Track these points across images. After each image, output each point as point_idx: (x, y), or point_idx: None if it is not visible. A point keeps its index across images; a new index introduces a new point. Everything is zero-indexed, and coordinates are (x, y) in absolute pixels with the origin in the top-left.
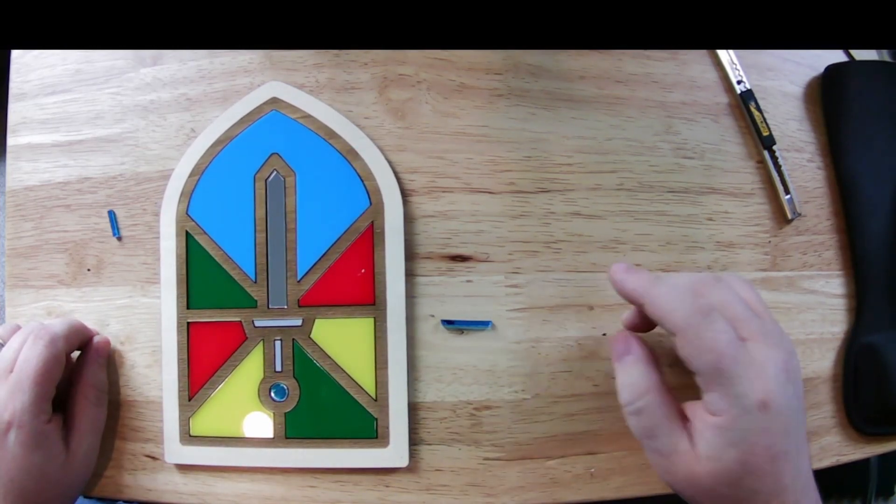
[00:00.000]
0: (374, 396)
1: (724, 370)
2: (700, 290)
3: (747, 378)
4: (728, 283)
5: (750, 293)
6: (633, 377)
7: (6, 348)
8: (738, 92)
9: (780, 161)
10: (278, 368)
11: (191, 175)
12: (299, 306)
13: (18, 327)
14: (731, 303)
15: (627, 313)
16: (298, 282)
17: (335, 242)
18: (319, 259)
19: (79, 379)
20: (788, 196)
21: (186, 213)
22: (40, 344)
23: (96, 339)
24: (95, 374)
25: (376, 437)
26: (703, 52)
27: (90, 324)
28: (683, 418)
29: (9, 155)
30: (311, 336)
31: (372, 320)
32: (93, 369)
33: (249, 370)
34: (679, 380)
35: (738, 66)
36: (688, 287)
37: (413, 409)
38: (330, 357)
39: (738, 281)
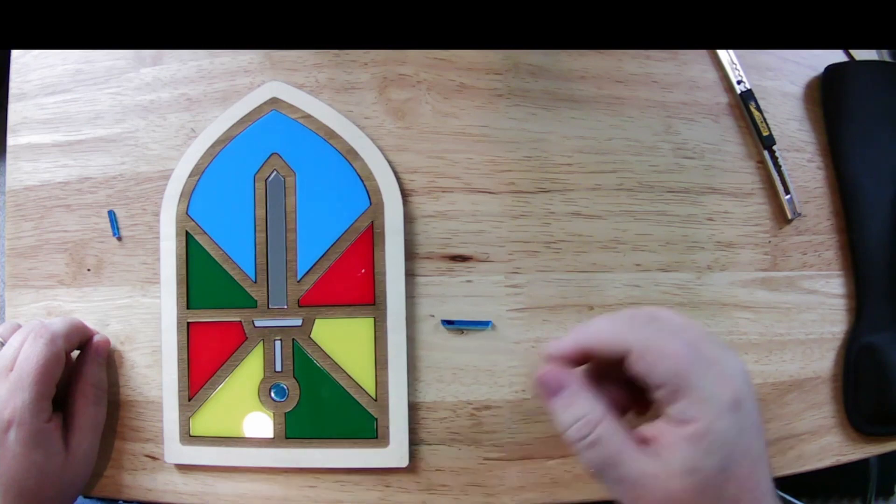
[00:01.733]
0: (374, 396)
1: (688, 374)
2: (634, 312)
3: (711, 379)
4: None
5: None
6: (580, 409)
7: (7, 347)
8: (738, 92)
9: (780, 161)
10: (278, 368)
11: (191, 175)
12: (299, 306)
13: (19, 326)
14: (668, 315)
15: (553, 352)
16: (298, 282)
17: (335, 242)
18: (319, 259)
19: (78, 378)
20: (788, 196)
21: (186, 214)
22: (40, 342)
23: (96, 338)
24: (95, 373)
25: (376, 437)
26: (703, 52)
27: (90, 324)
28: (639, 441)
29: (9, 155)
30: (311, 336)
31: (372, 320)
32: (92, 368)
33: (249, 370)
34: None
35: (738, 66)
36: (622, 312)
37: (413, 409)
38: (330, 357)
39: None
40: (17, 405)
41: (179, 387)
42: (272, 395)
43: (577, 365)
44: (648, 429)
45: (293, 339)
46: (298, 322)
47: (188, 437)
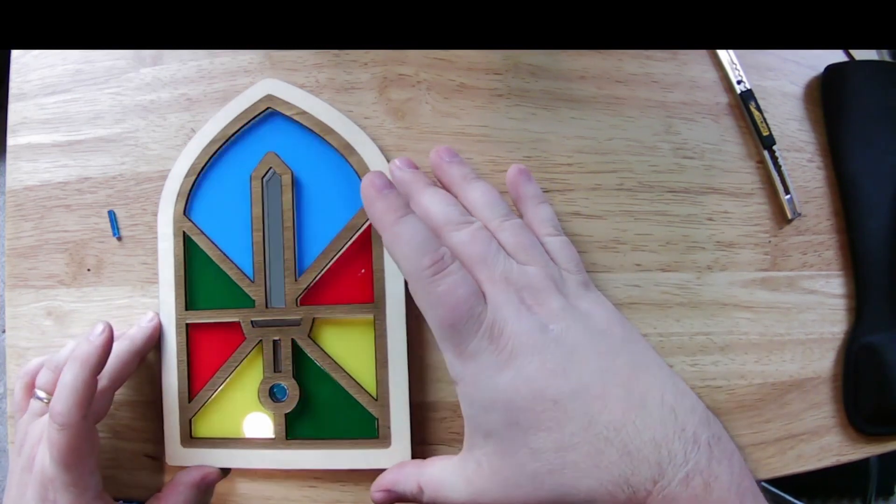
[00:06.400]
0: (374, 396)
1: (458, 327)
2: (446, 230)
3: (482, 330)
4: (479, 226)
5: (520, 234)
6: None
7: (34, 430)
8: (738, 92)
9: (780, 161)
10: (278, 369)
11: (187, 175)
12: (298, 306)
13: (58, 369)
14: (477, 241)
15: None
16: (297, 281)
17: (334, 241)
18: (318, 258)
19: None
20: (788, 196)
21: (184, 214)
22: (53, 430)
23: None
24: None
25: (377, 438)
26: (703, 52)
27: (90, 324)
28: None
29: (9, 155)
30: (311, 336)
31: (372, 319)
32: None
33: (249, 371)
34: None
35: (738, 66)
36: (433, 226)
37: (413, 408)
38: (330, 357)
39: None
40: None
41: (179, 389)
42: (272, 395)
43: None
44: None
45: (292, 339)
46: (298, 322)
47: (189, 440)
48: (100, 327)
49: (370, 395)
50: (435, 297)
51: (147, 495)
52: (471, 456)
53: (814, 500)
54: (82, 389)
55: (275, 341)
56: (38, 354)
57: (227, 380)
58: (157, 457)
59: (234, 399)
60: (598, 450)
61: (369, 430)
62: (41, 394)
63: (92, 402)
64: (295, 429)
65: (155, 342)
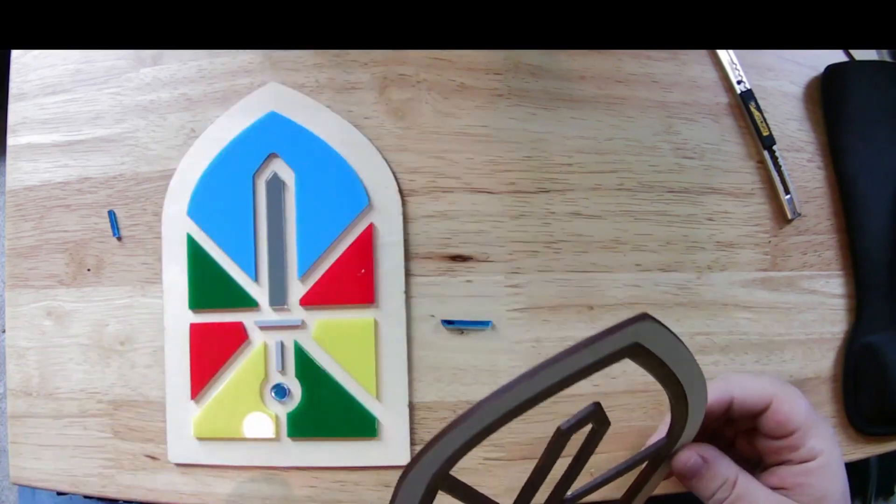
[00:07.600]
0: (375, 396)
1: (815, 415)
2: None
3: (822, 419)
4: None
5: None
6: (719, 478)
7: None
8: (738, 92)
9: (780, 161)
10: (279, 368)
11: (190, 176)
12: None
13: None
14: None
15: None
16: (299, 281)
17: (334, 241)
18: (319, 258)
19: None
20: (788, 196)
21: (186, 215)
22: None
23: None
24: None
25: (377, 437)
26: (703, 52)
27: (90, 324)
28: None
29: (9, 155)
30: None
31: (372, 320)
32: None
33: (251, 370)
34: None
35: (738, 66)
36: (752, 374)
37: (413, 409)
38: (331, 357)
39: None
40: None
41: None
42: (273, 395)
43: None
44: (770, 475)
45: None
46: (299, 322)
47: (191, 438)
48: None
49: (370, 395)
50: (796, 397)
51: (147, 495)
52: None
53: None
54: None
55: (277, 342)
56: (38, 354)
57: (229, 379)
58: (157, 457)
59: (236, 398)
60: None
61: (370, 429)
62: None
63: None
64: (296, 428)
65: None
